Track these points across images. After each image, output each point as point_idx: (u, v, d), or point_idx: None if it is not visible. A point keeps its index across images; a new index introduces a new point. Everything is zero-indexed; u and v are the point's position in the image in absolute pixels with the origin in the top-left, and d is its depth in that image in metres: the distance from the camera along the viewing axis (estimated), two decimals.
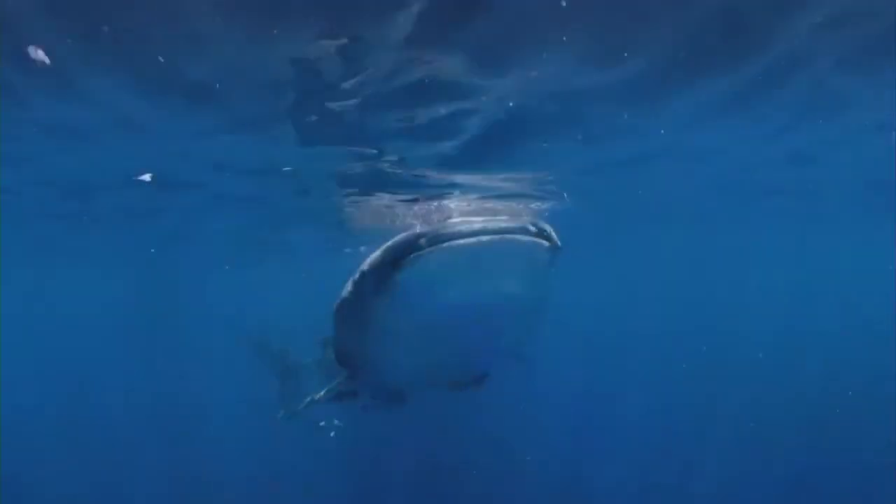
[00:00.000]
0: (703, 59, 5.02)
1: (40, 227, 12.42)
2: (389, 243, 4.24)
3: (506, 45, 4.49)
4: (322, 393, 6.42)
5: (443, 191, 8.96)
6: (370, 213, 10.64)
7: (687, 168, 9.78)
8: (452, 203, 9.42)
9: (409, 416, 8.57)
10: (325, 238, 14.65)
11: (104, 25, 3.86)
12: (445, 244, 3.79)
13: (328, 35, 4.15)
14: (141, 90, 5.03)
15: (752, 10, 4.31)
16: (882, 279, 30.26)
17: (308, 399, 6.48)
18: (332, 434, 10.35)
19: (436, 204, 9.48)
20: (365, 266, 4.45)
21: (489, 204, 9.69)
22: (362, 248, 12.74)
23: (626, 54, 4.79)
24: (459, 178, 8.34)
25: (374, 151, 7.07)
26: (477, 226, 3.81)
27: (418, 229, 4.07)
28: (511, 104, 5.72)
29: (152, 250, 16.39)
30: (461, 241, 3.76)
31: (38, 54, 4.10)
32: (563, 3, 3.79)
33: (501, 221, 3.88)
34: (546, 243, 4.01)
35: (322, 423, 10.32)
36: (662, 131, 7.28)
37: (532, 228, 3.96)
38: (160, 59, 4.32)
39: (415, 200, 9.32)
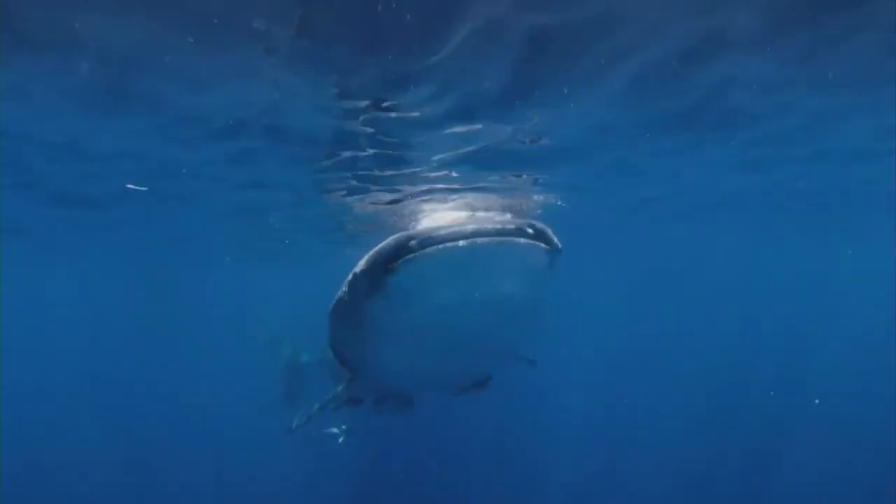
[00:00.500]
0: None
1: (44, 227, 12.39)
2: (381, 245, 4.09)
3: None
4: (328, 399, 6.36)
5: (440, 190, 8.86)
6: (370, 213, 10.54)
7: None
8: (449, 202, 9.31)
9: (412, 420, 8.47)
10: (327, 240, 14.56)
11: None
12: (436, 247, 3.63)
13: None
14: None
15: None
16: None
17: (316, 407, 6.40)
18: (340, 440, 10.30)
19: (426, 200, 9.36)
20: (357, 268, 4.33)
21: (482, 202, 9.59)
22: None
23: None
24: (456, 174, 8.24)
25: (372, 152, 6.96)
26: (471, 228, 3.63)
27: (410, 231, 3.92)
28: None
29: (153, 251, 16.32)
30: (451, 245, 3.60)
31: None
32: None
33: (498, 223, 3.71)
34: (544, 246, 3.84)
35: (334, 430, 10.29)
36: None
37: (530, 230, 3.77)
38: None
39: (408, 198, 9.18)
